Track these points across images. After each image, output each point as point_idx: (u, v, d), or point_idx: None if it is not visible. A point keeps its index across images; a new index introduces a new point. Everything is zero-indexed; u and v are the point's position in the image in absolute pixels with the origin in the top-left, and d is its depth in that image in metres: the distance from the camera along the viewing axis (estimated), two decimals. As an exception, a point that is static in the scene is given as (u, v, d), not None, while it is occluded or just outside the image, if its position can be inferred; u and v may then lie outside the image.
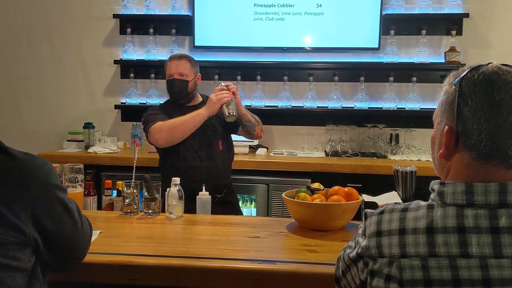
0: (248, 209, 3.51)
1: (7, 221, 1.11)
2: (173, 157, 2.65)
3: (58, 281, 1.44)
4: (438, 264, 0.95)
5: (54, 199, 1.21)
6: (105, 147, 3.75)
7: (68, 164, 1.85)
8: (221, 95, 2.53)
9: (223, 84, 2.62)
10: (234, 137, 2.89)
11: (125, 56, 4.05)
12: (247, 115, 2.70)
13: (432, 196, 1.04)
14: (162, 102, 3.88)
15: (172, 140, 2.55)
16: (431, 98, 3.85)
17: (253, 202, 3.52)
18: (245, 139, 3.48)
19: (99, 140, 3.92)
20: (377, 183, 3.05)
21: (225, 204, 2.66)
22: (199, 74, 2.76)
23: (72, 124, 4.08)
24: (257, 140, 3.20)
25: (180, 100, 2.67)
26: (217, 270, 1.50)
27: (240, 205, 3.02)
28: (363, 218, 1.13)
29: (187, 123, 2.53)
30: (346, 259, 1.17)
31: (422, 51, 3.79)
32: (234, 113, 2.55)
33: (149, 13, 4.01)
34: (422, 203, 1.04)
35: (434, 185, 1.04)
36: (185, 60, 2.70)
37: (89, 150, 3.74)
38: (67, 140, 3.96)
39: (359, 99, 3.84)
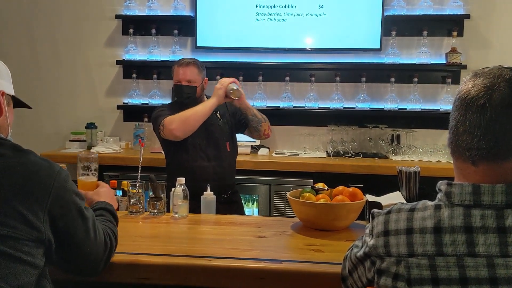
0: (250, 209, 3.52)
1: (26, 219, 1.17)
2: (182, 156, 2.69)
3: (66, 280, 1.45)
4: (446, 263, 0.97)
5: (71, 203, 1.27)
6: (107, 147, 3.76)
7: (83, 153, 1.88)
8: (223, 80, 2.67)
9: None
10: (237, 137, 2.92)
11: (128, 57, 4.06)
12: (252, 109, 2.74)
13: (439, 196, 1.06)
14: (164, 102, 3.92)
15: (187, 129, 2.60)
16: (432, 99, 3.87)
17: (255, 202, 3.53)
18: (247, 139, 3.51)
19: (101, 140, 3.93)
20: (379, 183, 3.07)
21: (230, 204, 2.72)
22: (206, 78, 2.80)
23: (75, 124, 4.09)
24: (260, 140, 3.21)
25: (188, 105, 2.70)
26: (223, 269, 1.51)
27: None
28: (370, 218, 1.15)
29: (199, 112, 2.60)
30: (353, 258, 1.19)
31: (423, 52, 3.80)
32: (239, 88, 2.65)
33: (151, 13, 4.02)
34: (429, 203, 1.06)
35: (441, 185, 1.06)
36: (192, 67, 2.73)
37: (91, 150, 3.75)
38: (70, 140, 3.98)
39: (361, 100, 3.86)
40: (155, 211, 2.09)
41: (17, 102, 1.45)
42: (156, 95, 4.03)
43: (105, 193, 1.73)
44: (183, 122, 2.57)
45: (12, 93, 1.41)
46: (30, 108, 1.52)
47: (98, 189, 1.76)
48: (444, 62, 3.79)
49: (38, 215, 1.19)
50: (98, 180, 1.85)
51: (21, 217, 1.16)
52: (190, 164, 2.67)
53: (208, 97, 2.84)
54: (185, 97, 2.72)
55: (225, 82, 2.64)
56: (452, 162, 1.09)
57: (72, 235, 1.27)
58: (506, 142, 0.98)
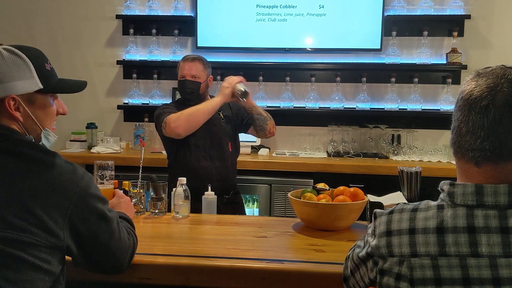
0: (251, 209, 3.52)
1: (44, 225, 1.16)
2: (185, 157, 2.68)
3: (66, 280, 1.45)
4: (449, 263, 0.97)
5: (93, 208, 1.26)
6: (107, 147, 3.77)
7: (100, 161, 1.87)
8: (231, 79, 2.62)
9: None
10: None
11: (128, 57, 4.06)
12: (257, 108, 2.72)
13: (441, 196, 1.06)
14: (164, 102, 3.91)
15: (190, 127, 2.57)
16: (432, 99, 3.88)
17: (256, 203, 3.53)
18: (247, 139, 3.51)
19: (102, 140, 3.93)
20: (379, 183, 3.07)
21: (233, 204, 2.71)
22: (211, 76, 2.78)
23: (75, 124, 4.08)
24: (266, 138, 3.19)
25: (191, 101, 2.69)
26: (225, 269, 1.52)
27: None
28: (373, 218, 1.15)
29: (202, 109, 2.58)
30: (355, 259, 1.18)
31: (424, 52, 3.80)
32: (246, 90, 2.61)
33: (151, 13, 4.02)
34: (432, 203, 1.06)
35: (444, 185, 1.06)
36: (198, 62, 2.72)
37: (92, 150, 3.75)
38: (70, 140, 3.97)
39: (361, 100, 3.86)
40: (156, 211, 2.09)
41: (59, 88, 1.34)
42: (156, 95, 4.03)
43: (119, 205, 1.71)
44: (186, 119, 2.55)
45: (35, 88, 1.26)
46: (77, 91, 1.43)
47: (112, 201, 1.73)
48: (445, 62, 3.80)
49: (57, 221, 1.18)
50: None
51: (40, 223, 1.15)
52: (193, 164, 2.66)
53: (211, 96, 2.85)
54: (187, 92, 2.70)
55: (233, 81, 2.60)
56: (453, 162, 1.10)
57: (95, 238, 1.26)
58: (510, 143, 0.98)
